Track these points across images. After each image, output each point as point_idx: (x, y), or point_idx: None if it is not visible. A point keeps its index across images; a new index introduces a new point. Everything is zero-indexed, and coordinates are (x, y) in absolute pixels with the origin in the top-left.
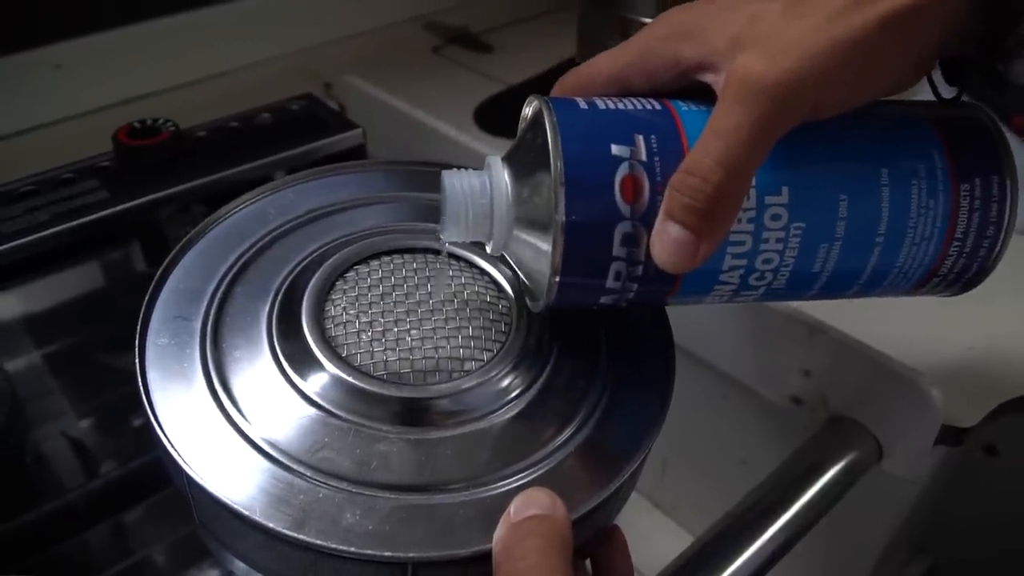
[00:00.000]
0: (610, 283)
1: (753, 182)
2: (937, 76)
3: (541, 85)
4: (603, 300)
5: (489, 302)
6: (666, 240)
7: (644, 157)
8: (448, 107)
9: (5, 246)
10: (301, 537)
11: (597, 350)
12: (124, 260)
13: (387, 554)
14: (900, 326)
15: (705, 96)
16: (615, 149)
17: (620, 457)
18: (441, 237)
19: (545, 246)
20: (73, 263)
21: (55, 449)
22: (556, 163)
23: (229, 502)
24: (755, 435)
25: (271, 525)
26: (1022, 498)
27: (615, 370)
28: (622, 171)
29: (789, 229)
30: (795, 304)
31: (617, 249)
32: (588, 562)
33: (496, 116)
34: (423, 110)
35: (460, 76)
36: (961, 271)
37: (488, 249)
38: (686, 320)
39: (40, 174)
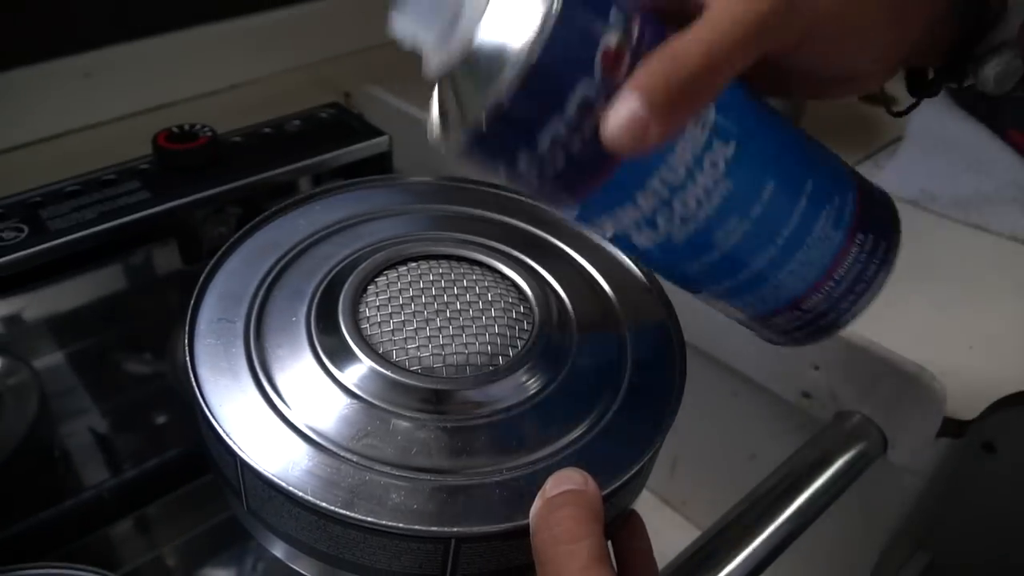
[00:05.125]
0: (542, 139)
1: (711, 123)
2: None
3: None
4: (520, 157)
5: (512, 303)
6: (622, 111)
7: (634, 36)
8: None
9: (58, 241)
10: (353, 515)
11: (615, 344)
12: (146, 261)
13: (433, 529)
14: (905, 325)
15: None
16: (614, 14)
17: (640, 441)
18: (393, 26)
19: (505, 61)
20: (112, 261)
21: (82, 444)
22: None
23: (284, 484)
24: (764, 430)
25: (324, 504)
26: (1019, 495)
27: (632, 363)
28: (609, 37)
29: (719, 183)
30: None
31: (570, 105)
32: (610, 544)
33: None
34: None
35: None
36: (820, 313)
37: (436, 55)
38: (698, 318)
39: (84, 175)
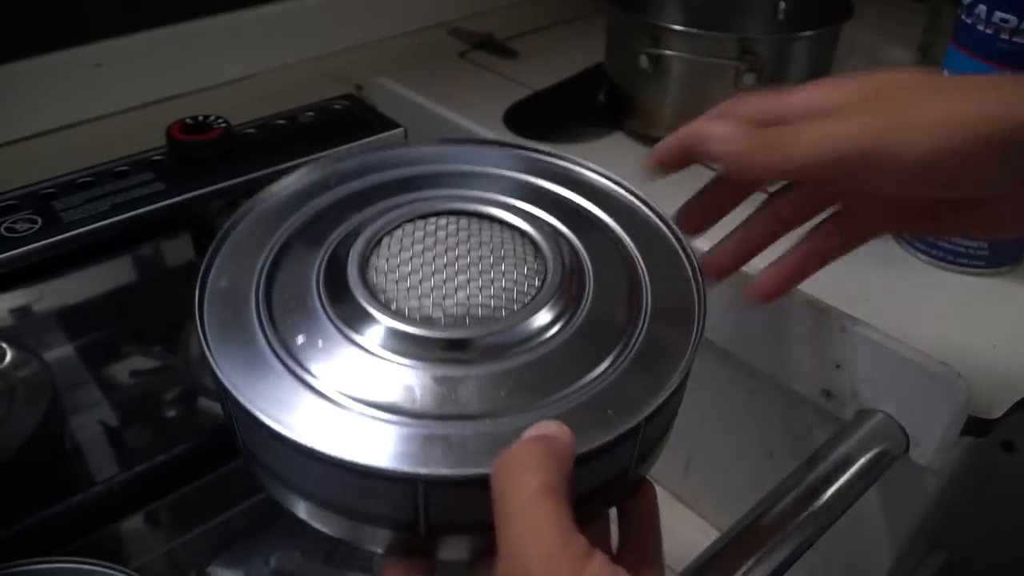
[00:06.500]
0: None
1: None
2: None
3: (568, 89)
4: None
5: (523, 258)
6: None
7: None
8: (478, 109)
9: (72, 233)
10: (318, 449)
11: (627, 307)
12: (157, 253)
13: (398, 470)
14: (927, 323)
15: None
16: None
17: (637, 405)
18: None
19: None
20: (125, 253)
21: (93, 437)
22: None
23: (260, 416)
24: (782, 428)
25: (293, 437)
26: None
27: (643, 327)
28: None
29: None
30: (828, 300)
31: None
32: (615, 511)
33: (525, 119)
34: (454, 112)
35: (487, 80)
36: None
37: None
38: (716, 316)
39: (96, 166)
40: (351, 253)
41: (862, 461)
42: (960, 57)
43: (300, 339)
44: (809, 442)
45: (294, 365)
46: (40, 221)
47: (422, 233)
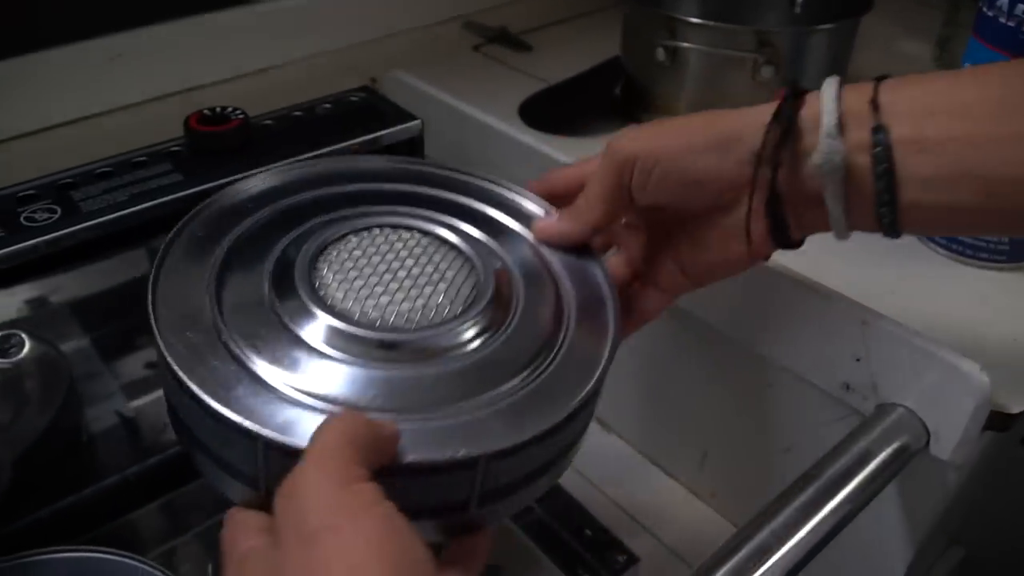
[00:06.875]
0: None
1: None
2: None
3: (583, 83)
4: None
5: (457, 267)
6: None
7: None
8: (493, 102)
9: (92, 223)
10: (234, 417)
11: (552, 321)
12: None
13: (247, 426)
14: (949, 317)
15: None
16: None
17: (493, 440)
18: None
19: None
20: (141, 244)
21: (109, 428)
22: None
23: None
24: (800, 423)
25: (208, 400)
26: None
27: (566, 341)
28: None
29: None
30: (849, 293)
31: None
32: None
33: (540, 112)
34: (469, 104)
35: (502, 74)
36: None
37: None
38: (734, 308)
39: (114, 157)
40: (300, 255)
41: (882, 456)
42: (981, 50)
43: (248, 331)
44: (827, 436)
45: (237, 350)
46: (59, 211)
47: (368, 244)
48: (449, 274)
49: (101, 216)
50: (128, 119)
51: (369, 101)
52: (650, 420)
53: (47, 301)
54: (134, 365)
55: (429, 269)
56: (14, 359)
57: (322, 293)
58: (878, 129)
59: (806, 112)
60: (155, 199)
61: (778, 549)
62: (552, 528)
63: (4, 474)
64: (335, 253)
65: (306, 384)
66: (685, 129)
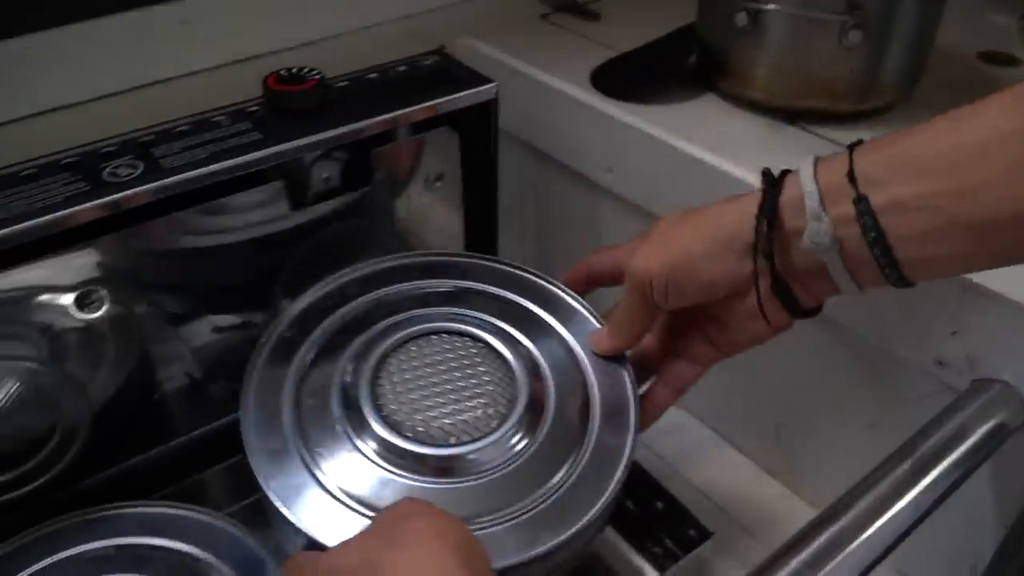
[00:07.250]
0: None
1: None
2: None
3: (655, 51)
4: None
5: (497, 383)
6: None
7: None
8: (564, 70)
9: (175, 178)
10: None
11: (579, 428)
12: None
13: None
14: None
15: None
16: None
17: (506, 552)
18: None
19: None
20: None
21: (179, 389)
22: None
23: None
24: (885, 398)
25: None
26: None
27: (591, 445)
28: None
29: None
30: None
31: None
32: None
33: (613, 79)
34: (541, 70)
35: (571, 42)
36: None
37: None
38: None
39: (192, 116)
40: (361, 371)
41: (978, 434)
42: None
43: (318, 443)
44: (915, 413)
45: (310, 462)
46: (142, 166)
47: (426, 348)
48: (490, 388)
49: (184, 171)
50: (198, 83)
51: (442, 65)
52: (721, 394)
53: (122, 260)
54: (203, 328)
55: (473, 382)
56: (94, 315)
57: (379, 403)
58: (859, 199)
59: (789, 195)
60: (235, 156)
61: (869, 526)
62: (621, 501)
63: (83, 429)
64: (394, 363)
65: (359, 491)
66: (686, 239)
